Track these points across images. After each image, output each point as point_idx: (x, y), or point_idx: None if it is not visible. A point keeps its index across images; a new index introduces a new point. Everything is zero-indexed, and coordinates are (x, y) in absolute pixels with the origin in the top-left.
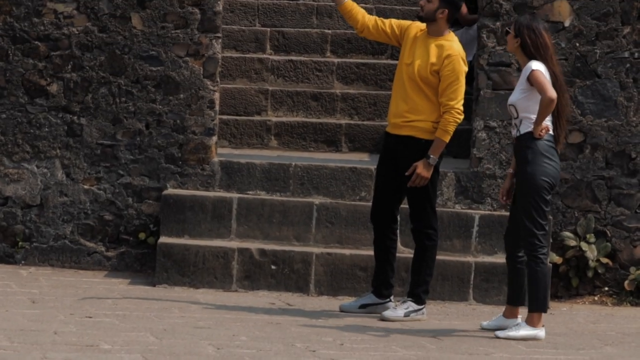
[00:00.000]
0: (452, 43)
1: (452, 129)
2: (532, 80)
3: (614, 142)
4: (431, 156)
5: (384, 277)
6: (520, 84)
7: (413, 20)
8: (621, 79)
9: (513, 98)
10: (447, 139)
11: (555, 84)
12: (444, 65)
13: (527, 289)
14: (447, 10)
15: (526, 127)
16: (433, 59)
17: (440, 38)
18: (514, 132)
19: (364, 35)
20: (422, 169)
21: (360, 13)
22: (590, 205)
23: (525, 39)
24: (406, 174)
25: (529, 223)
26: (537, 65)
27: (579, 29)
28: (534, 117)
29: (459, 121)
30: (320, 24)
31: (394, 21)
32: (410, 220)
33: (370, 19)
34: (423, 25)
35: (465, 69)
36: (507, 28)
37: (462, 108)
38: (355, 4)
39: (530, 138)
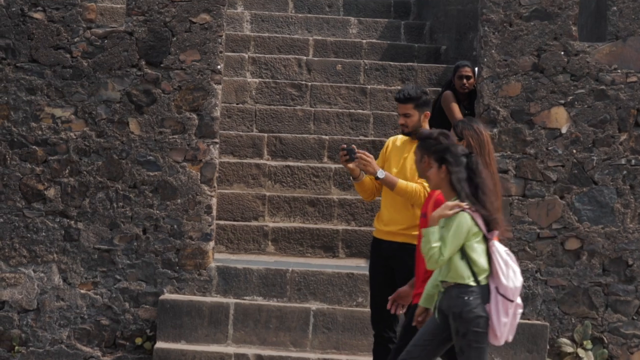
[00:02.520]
0: None
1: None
2: None
3: (610, 249)
4: None
5: None
6: None
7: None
8: (618, 186)
9: None
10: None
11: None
12: None
13: None
14: (428, 112)
15: None
16: None
17: None
18: None
19: (375, 198)
20: None
21: (370, 184)
22: (587, 312)
23: (469, 140)
24: None
25: None
26: None
27: (576, 135)
28: None
29: (425, 194)
30: (318, 130)
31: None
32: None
33: (371, 183)
34: (400, 136)
35: None
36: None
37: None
38: (367, 178)
39: None
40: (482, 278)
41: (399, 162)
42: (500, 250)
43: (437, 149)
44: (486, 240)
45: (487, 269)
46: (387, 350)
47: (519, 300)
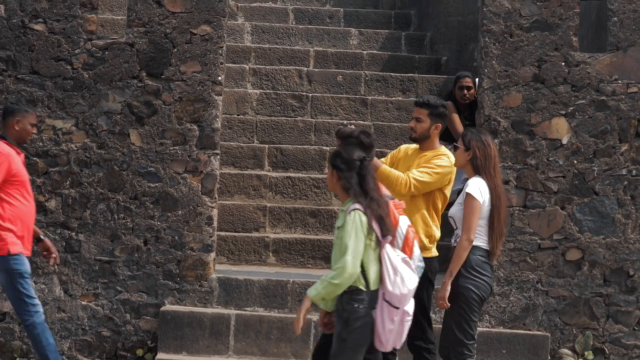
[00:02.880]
0: (447, 151)
1: (397, 186)
2: (465, 207)
3: (612, 259)
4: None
5: None
6: (461, 197)
7: (407, 142)
8: (619, 196)
9: (452, 210)
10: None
11: (493, 197)
12: (430, 158)
13: None
14: (439, 125)
15: None
16: (425, 163)
17: (435, 150)
18: (453, 241)
19: None
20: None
21: None
22: (588, 322)
23: (475, 151)
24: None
25: (459, 333)
26: (475, 190)
27: (576, 146)
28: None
29: (408, 185)
30: (318, 141)
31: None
32: (409, 337)
33: None
34: (413, 145)
35: (451, 170)
36: (454, 144)
37: (417, 183)
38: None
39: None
40: (372, 283)
41: (404, 172)
42: (392, 256)
43: (331, 154)
44: (380, 245)
45: (378, 274)
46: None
47: (407, 307)
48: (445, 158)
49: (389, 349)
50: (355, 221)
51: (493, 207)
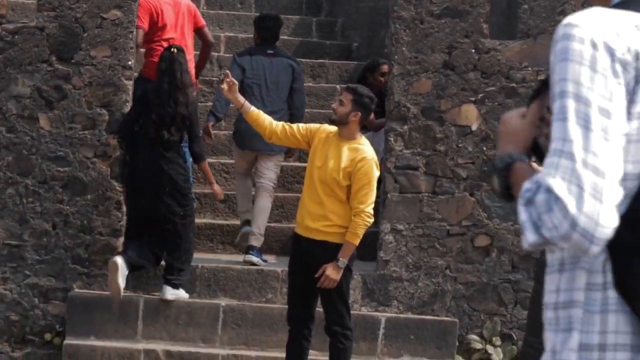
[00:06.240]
0: (366, 147)
1: (361, 232)
2: None
3: (520, 246)
4: (340, 259)
5: None
6: None
7: (322, 123)
8: None
9: None
10: (357, 241)
11: None
12: (357, 169)
13: None
14: (359, 114)
15: None
16: (346, 162)
17: (353, 141)
18: None
19: (273, 141)
20: (331, 272)
21: (267, 120)
22: (496, 309)
23: None
24: (315, 275)
25: None
26: None
27: (485, 133)
28: None
29: (368, 224)
30: (228, 126)
31: (302, 125)
32: (327, 322)
33: (277, 125)
34: (333, 128)
35: (377, 173)
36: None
37: (372, 212)
38: (260, 113)
39: None
40: None
41: (322, 157)
42: None
43: None
44: None
45: None
46: (301, 347)
47: None
48: (367, 156)
49: None
50: None
51: None
